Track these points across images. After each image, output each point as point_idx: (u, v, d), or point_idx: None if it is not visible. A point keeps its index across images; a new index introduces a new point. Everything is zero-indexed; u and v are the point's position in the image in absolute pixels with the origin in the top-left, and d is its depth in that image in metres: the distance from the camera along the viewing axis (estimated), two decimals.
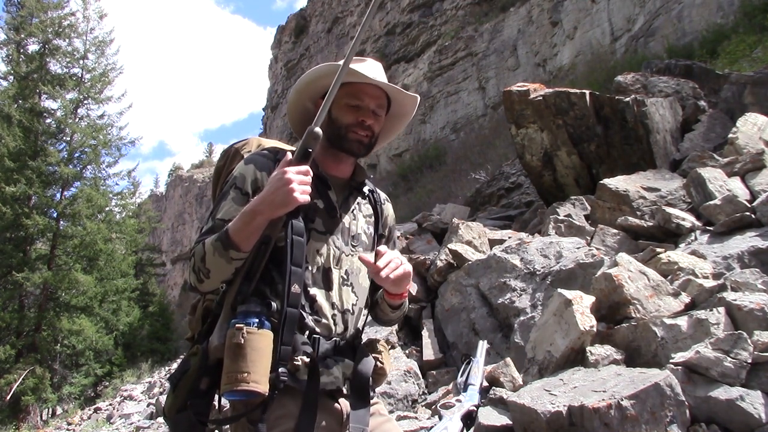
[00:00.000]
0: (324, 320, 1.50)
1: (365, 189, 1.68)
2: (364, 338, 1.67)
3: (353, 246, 1.60)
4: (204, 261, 1.39)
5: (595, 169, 6.59)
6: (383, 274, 1.44)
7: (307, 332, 1.46)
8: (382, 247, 1.49)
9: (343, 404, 1.51)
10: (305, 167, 1.36)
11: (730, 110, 6.75)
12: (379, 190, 1.75)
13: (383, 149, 24.33)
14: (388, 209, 1.76)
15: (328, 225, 1.55)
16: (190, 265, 1.44)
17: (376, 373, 1.60)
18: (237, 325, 1.33)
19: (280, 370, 1.31)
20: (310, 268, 1.50)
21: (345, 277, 1.56)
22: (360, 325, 1.62)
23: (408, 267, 1.50)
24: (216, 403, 1.48)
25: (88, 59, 20.39)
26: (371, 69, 1.58)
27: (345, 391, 1.52)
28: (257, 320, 1.35)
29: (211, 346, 1.41)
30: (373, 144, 1.60)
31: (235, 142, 1.78)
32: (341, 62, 1.39)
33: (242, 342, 1.31)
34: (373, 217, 1.69)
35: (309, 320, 1.46)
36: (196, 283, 1.44)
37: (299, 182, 1.33)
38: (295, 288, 1.36)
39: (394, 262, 1.46)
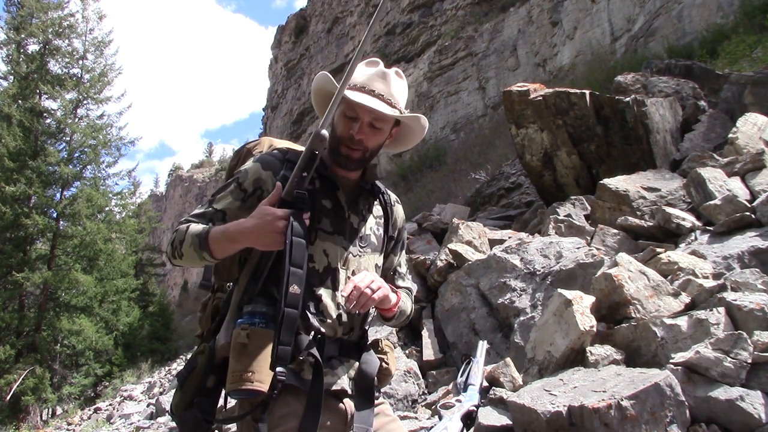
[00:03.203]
0: (329, 320, 1.50)
1: (376, 190, 1.67)
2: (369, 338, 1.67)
3: (361, 247, 1.59)
4: (182, 244, 1.44)
5: (595, 169, 6.59)
6: (350, 309, 1.45)
7: (312, 332, 1.45)
8: (355, 277, 1.48)
9: (348, 404, 1.51)
10: (287, 212, 1.36)
11: (730, 110, 6.75)
12: (390, 192, 1.74)
13: (384, 149, 24.28)
14: (398, 211, 1.74)
15: (336, 225, 1.55)
16: (171, 238, 1.49)
17: (382, 373, 1.60)
18: (242, 325, 1.35)
19: (278, 369, 1.30)
20: (317, 267, 1.50)
21: (352, 277, 1.54)
22: (366, 325, 1.62)
23: (380, 293, 1.47)
24: (222, 401, 1.49)
25: (88, 59, 20.48)
26: (374, 80, 1.53)
27: (350, 391, 1.52)
28: (263, 320, 1.36)
29: (217, 345, 1.43)
30: (367, 158, 1.56)
31: (248, 142, 1.80)
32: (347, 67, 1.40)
33: (247, 342, 1.33)
34: (383, 219, 1.68)
35: (314, 320, 1.46)
36: (170, 256, 1.50)
37: (286, 228, 1.34)
38: (294, 288, 1.34)
39: (356, 292, 1.43)
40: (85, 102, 20.28)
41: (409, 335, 5.01)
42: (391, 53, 28.53)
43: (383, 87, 1.52)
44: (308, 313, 1.45)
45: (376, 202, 1.68)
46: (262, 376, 1.31)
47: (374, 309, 1.60)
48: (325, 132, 1.36)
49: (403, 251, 1.79)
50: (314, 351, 1.42)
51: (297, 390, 1.42)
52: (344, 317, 1.53)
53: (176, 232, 1.47)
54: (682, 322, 2.77)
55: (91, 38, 20.46)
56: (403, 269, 1.78)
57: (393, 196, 1.75)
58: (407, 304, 1.70)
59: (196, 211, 1.52)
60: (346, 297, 1.42)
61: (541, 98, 6.62)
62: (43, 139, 19.24)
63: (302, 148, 1.53)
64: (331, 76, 1.57)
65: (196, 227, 1.45)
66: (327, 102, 1.52)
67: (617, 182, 5.28)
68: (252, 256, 1.48)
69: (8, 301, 18.26)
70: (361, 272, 1.51)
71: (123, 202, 22.51)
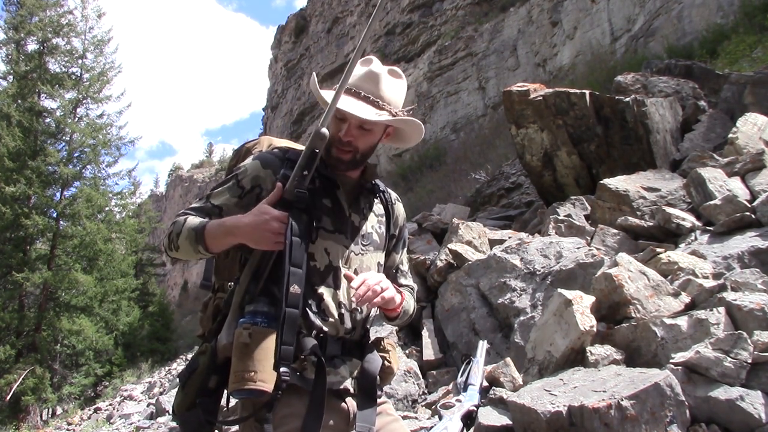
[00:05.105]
0: (331, 319, 1.50)
1: (376, 189, 1.67)
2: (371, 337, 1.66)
3: (363, 245, 1.59)
4: (178, 237, 1.47)
5: (595, 169, 6.59)
6: (358, 303, 1.45)
7: (314, 332, 1.46)
8: (362, 275, 1.47)
9: (350, 403, 1.51)
10: (284, 214, 1.38)
11: (730, 110, 6.75)
12: (390, 190, 1.74)
13: (383, 149, 24.34)
14: (399, 209, 1.75)
15: (336, 224, 1.54)
16: (168, 230, 1.51)
17: (384, 371, 1.60)
18: (245, 325, 1.36)
19: (281, 369, 1.31)
20: (318, 266, 1.50)
21: (362, 273, 1.54)
22: (368, 324, 1.62)
23: (387, 293, 1.47)
24: (224, 401, 1.49)
25: (87, 58, 20.38)
26: (363, 81, 1.51)
27: (352, 390, 1.52)
28: (265, 320, 1.36)
29: (219, 345, 1.43)
30: (359, 160, 1.54)
31: (247, 142, 1.81)
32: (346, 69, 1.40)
33: (249, 341, 1.33)
34: (384, 217, 1.68)
35: (315, 319, 1.46)
36: (166, 249, 1.53)
37: (280, 229, 1.37)
38: (295, 288, 1.35)
39: (365, 288, 1.42)
40: (84, 101, 20.21)
41: (409, 335, 5.01)
42: (391, 53, 28.51)
43: (372, 88, 1.50)
44: (310, 312, 1.45)
45: (377, 201, 1.68)
46: (264, 375, 1.31)
47: (377, 308, 1.60)
48: (325, 130, 1.36)
49: (405, 249, 1.79)
50: (316, 350, 1.42)
51: (299, 390, 1.42)
52: (346, 316, 1.52)
53: (174, 224, 1.49)
54: (682, 322, 2.77)
55: (90, 37, 20.37)
56: (405, 267, 1.79)
57: (393, 195, 1.75)
58: (410, 303, 1.70)
59: (195, 205, 1.54)
60: (356, 289, 1.41)
61: (541, 98, 6.62)
62: (43, 139, 19.19)
63: (302, 148, 1.53)
64: (316, 81, 1.54)
65: (194, 220, 1.47)
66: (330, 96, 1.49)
67: (617, 182, 5.28)
68: (253, 255, 1.48)
69: (8, 301, 18.23)
70: (370, 272, 1.51)
71: (123, 202, 22.50)
